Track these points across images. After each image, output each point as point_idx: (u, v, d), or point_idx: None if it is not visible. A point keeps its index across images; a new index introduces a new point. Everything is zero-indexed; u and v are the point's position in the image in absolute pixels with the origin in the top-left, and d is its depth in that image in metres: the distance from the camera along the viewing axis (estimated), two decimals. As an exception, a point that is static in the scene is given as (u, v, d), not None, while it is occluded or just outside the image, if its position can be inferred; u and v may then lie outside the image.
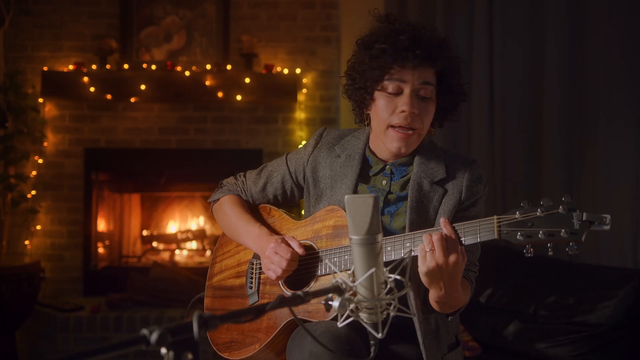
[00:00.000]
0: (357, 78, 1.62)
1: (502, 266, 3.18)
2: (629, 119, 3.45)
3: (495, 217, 1.38)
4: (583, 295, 2.85)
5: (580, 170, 3.61)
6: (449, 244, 1.38)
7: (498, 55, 3.81)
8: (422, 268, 1.40)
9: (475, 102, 3.84)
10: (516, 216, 1.34)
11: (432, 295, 1.50)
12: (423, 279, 1.43)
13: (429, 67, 1.56)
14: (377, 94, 1.60)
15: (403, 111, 1.55)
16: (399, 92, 1.56)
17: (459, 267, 1.40)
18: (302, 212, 1.85)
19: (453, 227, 1.41)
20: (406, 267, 1.16)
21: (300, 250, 1.63)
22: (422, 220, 1.61)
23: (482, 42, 3.82)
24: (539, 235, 1.31)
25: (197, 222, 4.48)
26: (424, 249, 1.39)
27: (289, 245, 1.64)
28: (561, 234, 1.30)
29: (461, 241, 1.40)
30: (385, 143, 1.62)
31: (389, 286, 1.12)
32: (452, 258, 1.38)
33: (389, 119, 1.58)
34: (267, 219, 1.82)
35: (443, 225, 1.41)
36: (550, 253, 1.33)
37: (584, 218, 1.29)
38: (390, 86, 1.56)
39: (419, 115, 1.56)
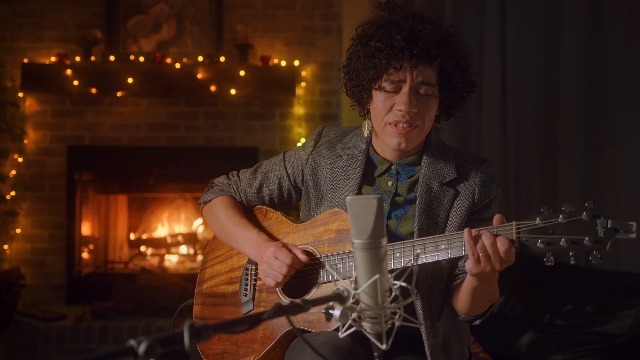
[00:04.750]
0: (353, 75, 1.64)
1: (515, 272, 3.17)
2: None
3: (514, 222, 1.38)
4: (602, 303, 2.85)
5: (599, 170, 3.61)
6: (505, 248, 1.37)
7: (510, 46, 3.81)
8: (474, 270, 1.41)
9: (487, 96, 3.84)
10: (537, 222, 1.34)
11: (480, 290, 1.51)
12: (472, 275, 1.45)
13: (428, 66, 1.57)
14: (374, 92, 1.62)
15: (400, 110, 1.57)
16: (396, 90, 1.58)
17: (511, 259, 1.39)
18: (301, 214, 1.84)
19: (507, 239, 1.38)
20: (413, 273, 1.16)
21: (302, 257, 1.63)
22: (432, 225, 1.61)
23: (493, 32, 3.82)
24: (561, 243, 1.32)
25: (188, 225, 4.48)
26: (476, 252, 1.38)
27: (289, 250, 1.64)
28: (584, 242, 1.30)
29: (513, 241, 1.38)
30: (385, 139, 1.64)
31: (394, 294, 1.12)
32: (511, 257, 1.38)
33: (386, 117, 1.60)
34: (262, 221, 1.82)
35: (496, 222, 1.41)
36: (573, 262, 1.34)
37: (608, 225, 1.29)
38: (388, 85, 1.58)
39: (418, 112, 1.58)
